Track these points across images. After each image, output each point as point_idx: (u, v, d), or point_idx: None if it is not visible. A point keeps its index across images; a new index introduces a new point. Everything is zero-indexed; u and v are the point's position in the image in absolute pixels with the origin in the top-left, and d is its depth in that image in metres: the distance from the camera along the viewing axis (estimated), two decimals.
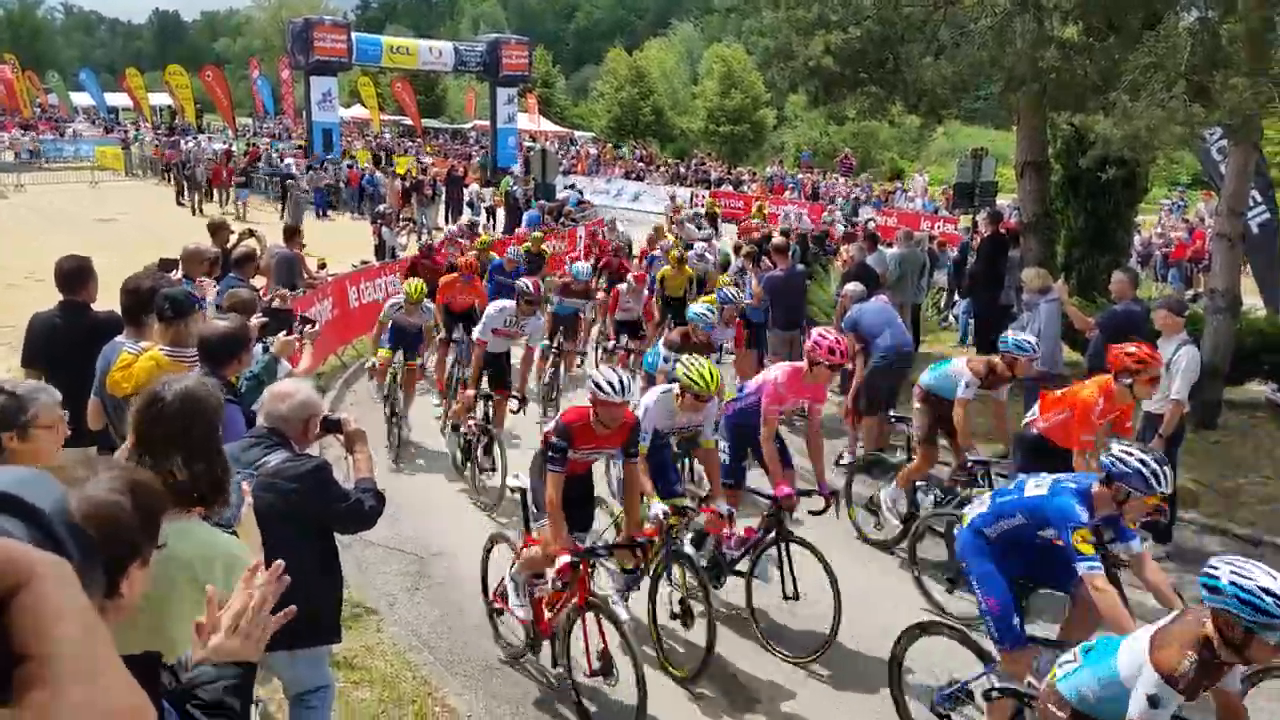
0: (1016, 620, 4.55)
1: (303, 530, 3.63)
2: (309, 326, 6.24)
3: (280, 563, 2.07)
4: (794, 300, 11.18)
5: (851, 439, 9.34)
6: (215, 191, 28.55)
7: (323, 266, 12.48)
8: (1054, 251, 13.21)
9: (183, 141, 34.48)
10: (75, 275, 5.47)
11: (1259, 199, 11.66)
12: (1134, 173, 12.69)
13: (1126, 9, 9.14)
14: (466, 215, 25.63)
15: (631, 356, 10.96)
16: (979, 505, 4.92)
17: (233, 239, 9.18)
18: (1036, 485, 4.56)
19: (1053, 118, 12.30)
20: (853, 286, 9.73)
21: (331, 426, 4.01)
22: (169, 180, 32.75)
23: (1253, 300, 11.64)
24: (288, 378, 4.56)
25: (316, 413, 3.88)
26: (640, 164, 42.84)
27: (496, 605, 5.91)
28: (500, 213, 26.22)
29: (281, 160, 30.88)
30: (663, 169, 41.44)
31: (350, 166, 31.06)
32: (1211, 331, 9.69)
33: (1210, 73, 8.27)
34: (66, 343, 5.28)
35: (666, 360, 7.89)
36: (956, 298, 15.50)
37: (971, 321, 14.20)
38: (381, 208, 21.59)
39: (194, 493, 2.81)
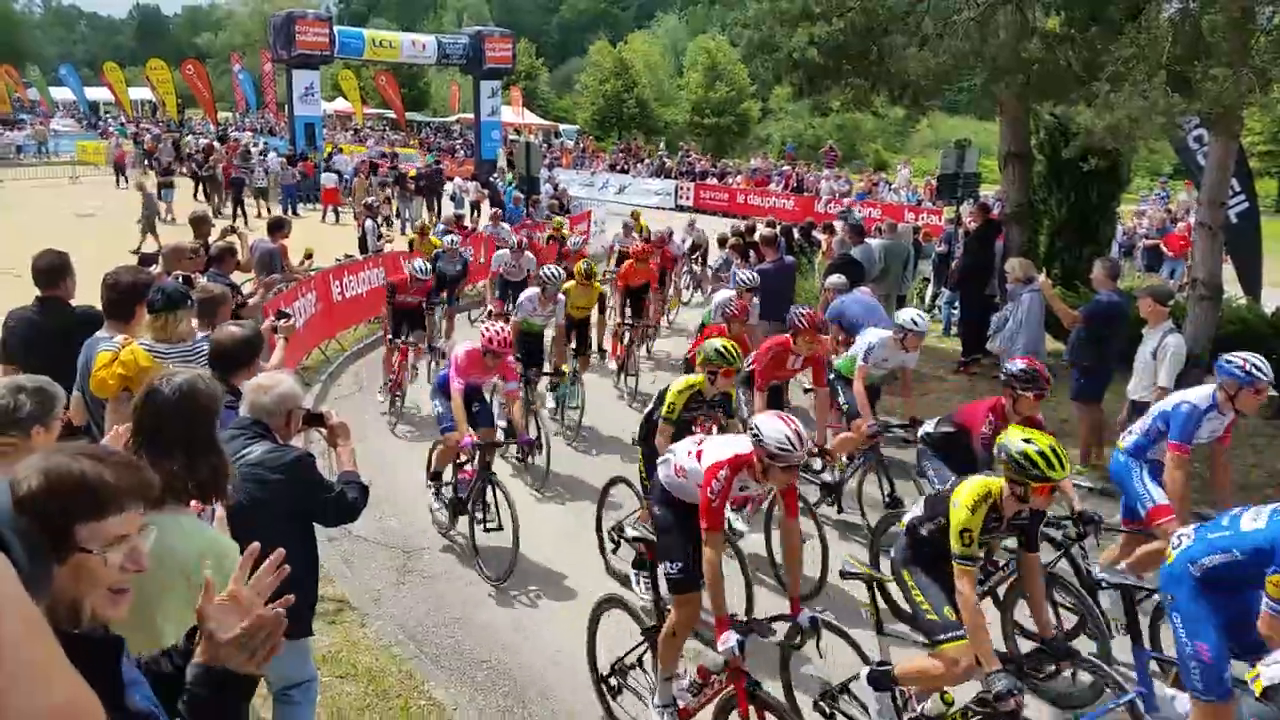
0: (1228, 672, 4.02)
1: (286, 521, 3.62)
2: (284, 320, 6.23)
3: (281, 551, 2.05)
4: (783, 292, 11.22)
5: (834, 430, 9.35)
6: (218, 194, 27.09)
7: (309, 256, 12.34)
8: (1037, 242, 13.27)
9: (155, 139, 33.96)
10: (52, 271, 5.40)
11: (1238, 188, 11.74)
12: (1116, 163, 12.75)
13: (1109, 0, 9.18)
14: (450, 209, 25.53)
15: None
16: (1186, 538, 4.29)
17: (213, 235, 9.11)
18: (1254, 519, 3.95)
19: (1036, 109, 12.35)
20: (835, 279, 9.75)
21: (314, 420, 4.00)
22: (119, 183, 31.49)
23: (1233, 289, 11.71)
24: (266, 370, 4.53)
25: (298, 404, 3.87)
26: (624, 156, 42.71)
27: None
28: (484, 206, 26.14)
29: (263, 155, 30.56)
30: (647, 161, 41.36)
31: (305, 158, 30.71)
32: (1193, 320, 9.75)
33: (1191, 63, 8.31)
34: (44, 339, 5.23)
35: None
36: (944, 288, 15.54)
37: (955, 312, 14.25)
38: (370, 200, 21.45)
39: (190, 487, 2.83)
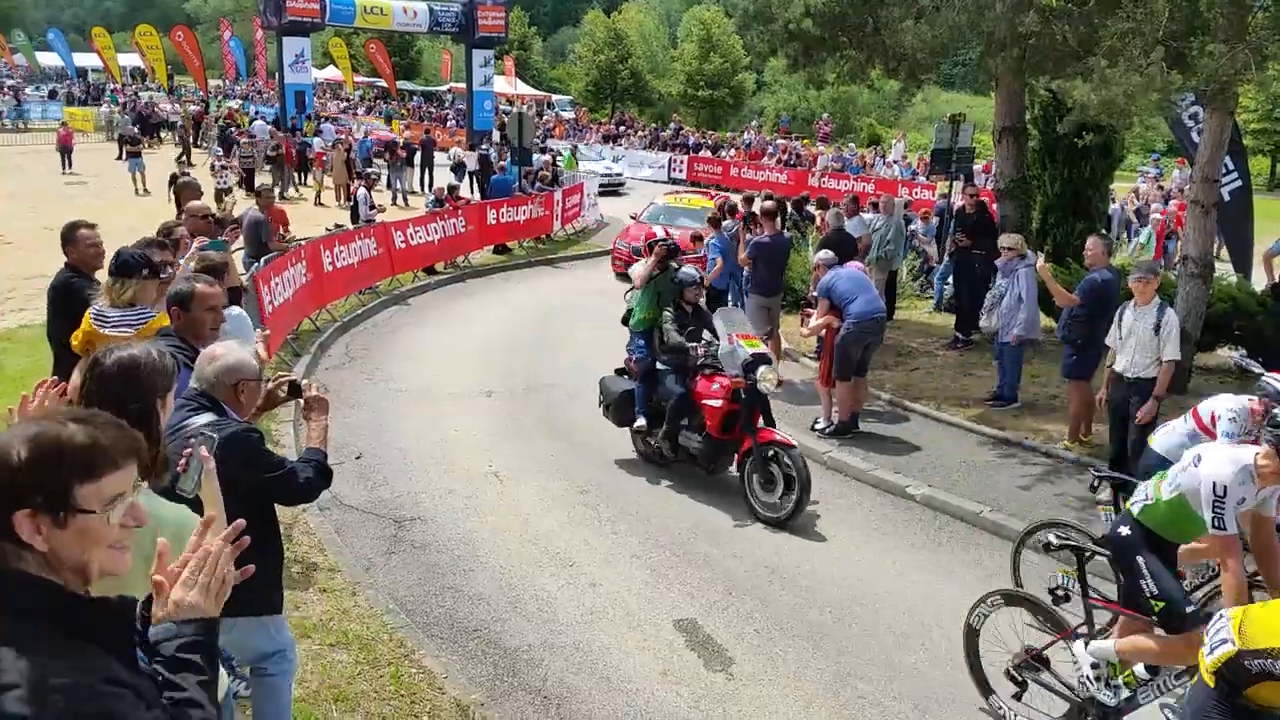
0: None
1: (231, 496, 3.24)
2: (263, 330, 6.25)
3: (241, 521, 2.04)
4: (778, 265, 11.24)
5: (826, 405, 9.39)
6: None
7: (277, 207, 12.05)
8: (1030, 217, 13.26)
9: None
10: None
11: (1230, 166, 11.73)
12: (1110, 139, 12.72)
13: None
14: (449, 178, 25.34)
15: None
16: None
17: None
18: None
19: (1031, 83, 12.29)
20: (825, 254, 9.70)
21: (295, 391, 3.88)
22: (66, 165, 28.29)
23: (1223, 266, 11.74)
24: (228, 339, 4.35)
25: (247, 377, 3.60)
26: (618, 127, 42.49)
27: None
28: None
29: (243, 124, 30.30)
30: (641, 133, 41.15)
31: (295, 130, 30.46)
32: (1184, 297, 9.77)
33: (1188, 39, 8.27)
34: (74, 305, 5.38)
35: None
36: (933, 263, 15.54)
37: (946, 288, 14.24)
38: (369, 170, 21.27)
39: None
